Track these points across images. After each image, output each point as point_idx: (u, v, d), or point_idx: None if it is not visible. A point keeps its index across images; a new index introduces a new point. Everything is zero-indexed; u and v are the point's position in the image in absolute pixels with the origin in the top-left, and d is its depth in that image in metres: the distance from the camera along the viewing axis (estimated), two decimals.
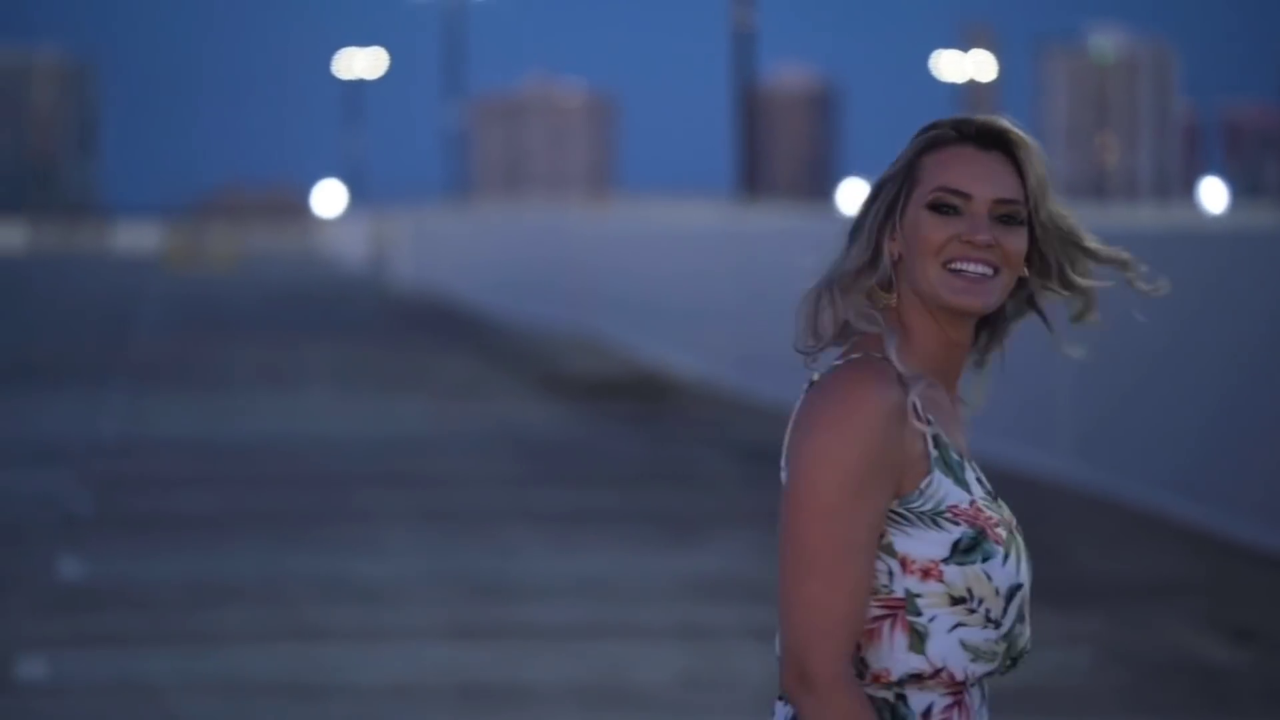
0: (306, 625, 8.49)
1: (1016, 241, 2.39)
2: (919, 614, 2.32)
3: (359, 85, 79.56)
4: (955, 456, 2.37)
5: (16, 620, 8.60)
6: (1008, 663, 2.38)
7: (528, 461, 14.25)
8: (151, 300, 39.06)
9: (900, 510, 2.33)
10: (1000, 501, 2.40)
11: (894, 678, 2.32)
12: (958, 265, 2.37)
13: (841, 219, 21.78)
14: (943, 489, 2.34)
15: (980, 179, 2.39)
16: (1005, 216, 2.40)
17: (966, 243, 2.37)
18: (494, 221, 42.20)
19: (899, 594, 2.32)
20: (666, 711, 7.14)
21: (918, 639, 2.32)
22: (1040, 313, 2.46)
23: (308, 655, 7.93)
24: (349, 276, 53.32)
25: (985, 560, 2.32)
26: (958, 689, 2.35)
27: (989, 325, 2.45)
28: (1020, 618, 2.35)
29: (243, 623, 8.53)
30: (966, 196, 2.38)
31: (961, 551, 2.32)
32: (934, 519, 2.33)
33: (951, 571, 2.32)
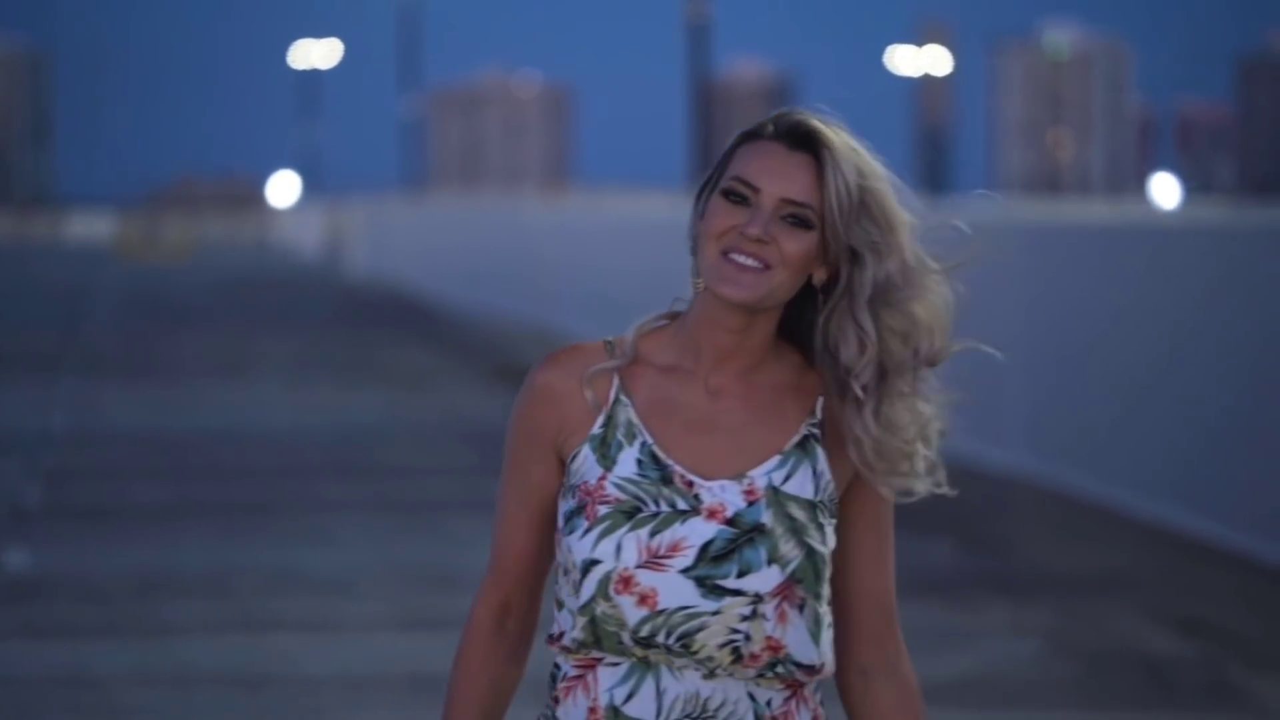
0: (256, 617, 8.47)
1: (796, 244, 2.39)
2: (557, 581, 2.45)
3: (314, 75, 79.39)
4: (620, 438, 2.42)
5: None
6: (673, 649, 2.35)
7: (481, 452, 14.23)
8: (104, 291, 38.87)
9: (564, 482, 2.46)
10: (702, 492, 2.37)
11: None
12: (732, 255, 2.41)
13: None
14: (584, 465, 2.43)
15: (772, 175, 2.40)
16: (791, 217, 2.40)
17: (741, 234, 2.40)
18: (450, 213, 42.14)
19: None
20: None
21: (562, 606, 2.45)
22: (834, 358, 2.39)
23: (257, 647, 7.91)
24: (304, 267, 53.17)
25: (571, 533, 2.41)
26: (586, 662, 2.40)
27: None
28: (604, 595, 2.36)
29: (192, 614, 8.50)
30: (755, 190, 2.40)
31: (565, 522, 2.43)
32: (571, 491, 2.44)
33: (562, 541, 2.43)
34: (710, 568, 2.36)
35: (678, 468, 2.40)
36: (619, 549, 2.37)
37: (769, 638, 2.36)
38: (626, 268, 22.78)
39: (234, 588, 9.04)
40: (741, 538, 2.37)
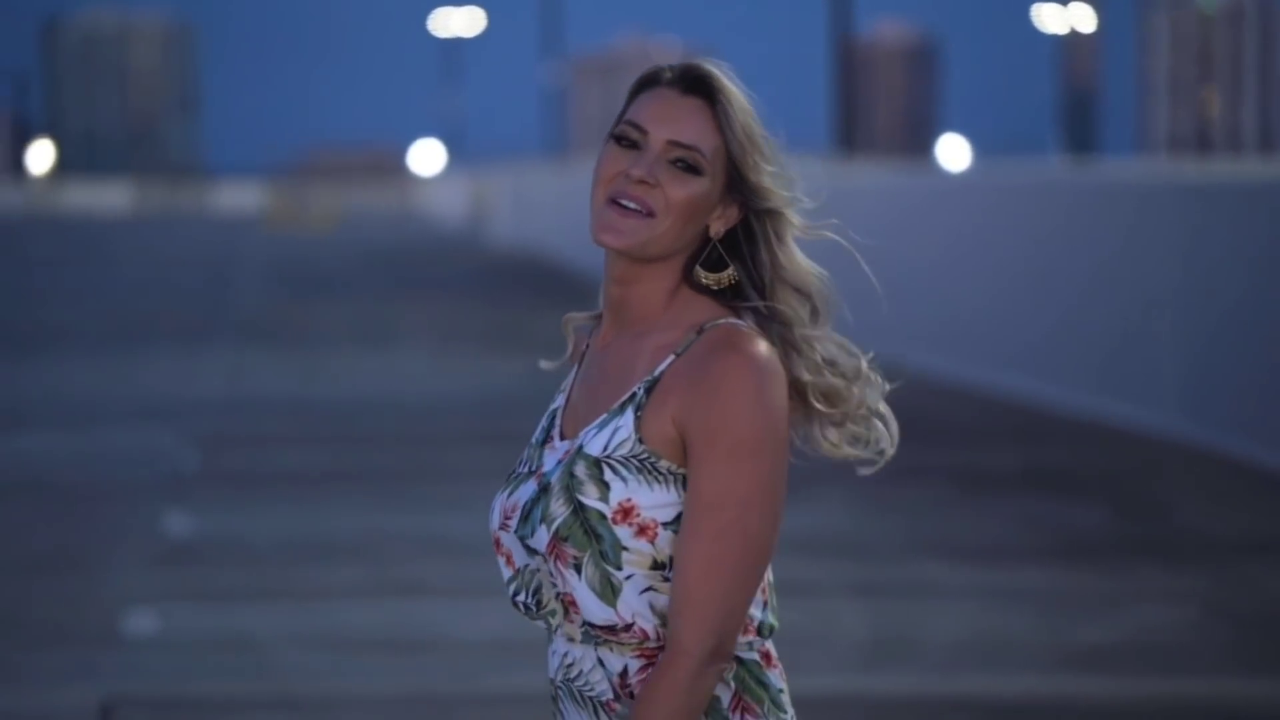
0: (405, 581, 8.56)
1: (682, 188, 2.32)
2: None
3: (456, 44, 79.83)
4: (555, 398, 2.42)
5: (126, 575, 8.73)
6: (531, 608, 2.37)
7: None
8: (252, 260, 39.42)
9: None
10: (551, 447, 2.35)
11: None
12: (618, 199, 2.33)
13: (942, 175, 21.53)
14: None
15: (661, 119, 2.33)
16: (680, 161, 2.32)
17: (626, 176, 2.33)
18: (591, 180, 42.17)
19: None
20: None
21: None
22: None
23: (407, 610, 8.00)
24: (447, 235, 53.58)
25: None
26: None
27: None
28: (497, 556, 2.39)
29: (345, 578, 8.62)
30: (644, 133, 2.33)
31: None
32: None
33: None
34: (523, 528, 2.35)
35: (556, 429, 2.38)
36: (492, 512, 2.39)
37: (562, 595, 2.33)
38: None
39: (383, 552, 9.15)
40: (535, 499, 2.35)
